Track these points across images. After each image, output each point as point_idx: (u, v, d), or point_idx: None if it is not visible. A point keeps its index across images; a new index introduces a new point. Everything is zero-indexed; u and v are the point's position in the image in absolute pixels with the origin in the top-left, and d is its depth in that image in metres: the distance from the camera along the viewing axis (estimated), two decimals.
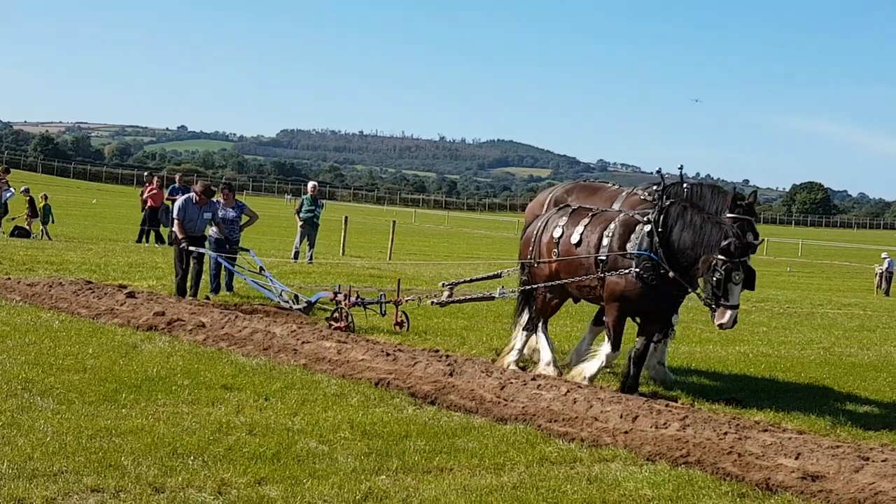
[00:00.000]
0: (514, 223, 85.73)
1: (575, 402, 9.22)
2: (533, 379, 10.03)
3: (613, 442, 8.46)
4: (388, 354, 11.05)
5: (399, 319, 13.96)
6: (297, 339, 11.93)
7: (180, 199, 16.81)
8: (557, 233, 11.06)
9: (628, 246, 10.22)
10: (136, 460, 6.93)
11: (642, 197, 11.50)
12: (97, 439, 7.42)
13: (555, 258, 10.99)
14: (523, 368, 11.33)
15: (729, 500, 7.06)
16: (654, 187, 11.18)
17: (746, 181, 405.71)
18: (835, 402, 11.24)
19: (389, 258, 31.05)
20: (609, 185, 12.59)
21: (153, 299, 14.70)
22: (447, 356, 11.25)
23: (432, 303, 13.31)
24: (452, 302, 13.57)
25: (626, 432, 8.58)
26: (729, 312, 9.63)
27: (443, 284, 14.18)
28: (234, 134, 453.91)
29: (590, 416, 8.95)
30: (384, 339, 12.60)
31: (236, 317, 13.24)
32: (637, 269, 10.07)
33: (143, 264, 21.38)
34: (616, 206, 11.61)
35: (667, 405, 9.44)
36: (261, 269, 16.62)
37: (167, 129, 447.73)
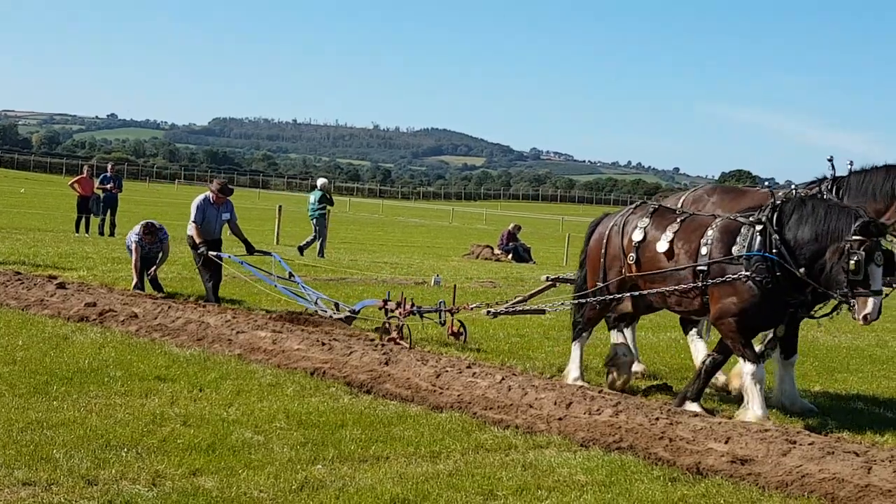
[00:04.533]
0: (448, 212, 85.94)
1: (510, 390, 9.28)
2: (468, 367, 10.08)
3: (548, 428, 8.54)
4: (323, 344, 11.03)
5: (456, 329, 12.67)
6: (232, 329, 11.86)
7: (198, 200, 15.19)
8: (637, 235, 9.91)
9: (734, 250, 9.15)
10: (69, 453, 6.84)
11: (800, 194, 9.93)
12: (28, 432, 7.32)
13: (631, 264, 9.92)
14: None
15: (661, 485, 7.16)
16: (823, 183, 10.13)
17: (677, 169, 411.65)
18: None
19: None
20: (755, 188, 11.40)
21: (84, 290, 14.51)
22: (383, 345, 11.26)
23: (487, 313, 12.01)
24: (507, 313, 12.23)
25: (560, 419, 8.66)
26: (872, 300, 8.43)
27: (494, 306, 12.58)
28: (166, 122, 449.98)
29: (524, 404, 9.02)
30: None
31: (169, 307, 13.12)
32: (750, 273, 8.96)
33: (73, 254, 21.04)
34: None
35: (600, 392, 9.54)
36: (290, 274, 15.12)
37: (97, 117, 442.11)
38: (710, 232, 9.38)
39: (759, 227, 9.05)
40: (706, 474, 7.48)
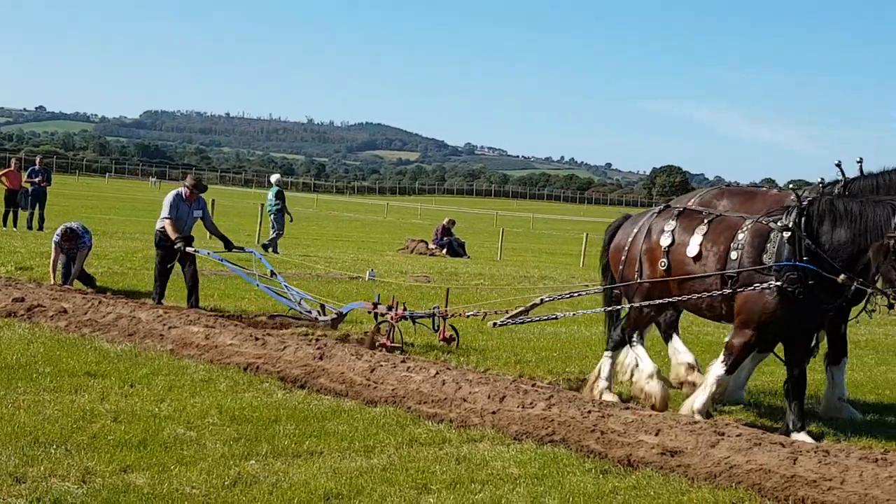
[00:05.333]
0: (382, 206, 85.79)
1: (444, 384, 9.30)
2: (403, 361, 10.07)
3: (481, 422, 8.57)
4: (256, 339, 10.95)
5: (447, 334, 12.26)
6: (164, 325, 11.73)
7: (170, 196, 14.44)
8: (665, 240, 9.39)
9: (764, 258, 8.67)
10: None
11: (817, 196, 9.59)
12: None
13: (662, 269, 9.40)
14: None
15: (592, 477, 7.22)
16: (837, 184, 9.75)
17: (609, 164, 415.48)
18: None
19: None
20: (763, 189, 11.06)
21: (11, 285, 14.24)
22: (317, 339, 11.21)
23: (493, 324, 11.24)
24: (514, 322, 11.39)
25: (493, 412, 8.69)
26: None
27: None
28: (96, 115, 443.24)
29: (458, 398, 9.04)
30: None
31: (100, 302, 12.93)
32: (780, 283, 8.47)
33: (0, 249, 20.68)
34: None
35: (533, 385, 9.59)
36: (272, 273, 14.63)
37: (24, 109, 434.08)
38: (740, 236, 8.89)
39: (787, 234, 8.55)
40: (637, 466, 7.56)
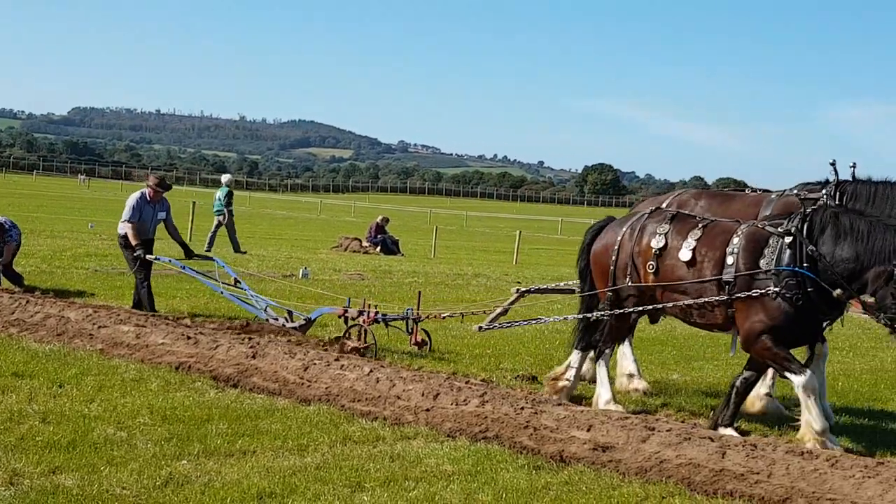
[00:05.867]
0: (316, 204, 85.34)
1: (378, 382, 9.29)
2: (336, 359, 10.04)
3: (415, 420, 8.58)
4: (188, 338, 10.85)
5: (419, 338, 11.92)
6: (94, 324, 11.57)
7: (133, 197, 13.80)
8: (657, 242, 9.07)
9: (762, 262, 8.44)
10: None
11: (802, 198, 9.49)
12: None
13: (651, 271, 9.07)
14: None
15: (525, 473, 7.27)
16: (823, 186, 9.52)
17: (541, 162, 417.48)
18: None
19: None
20: (742, 192, 10.73)
21: None
22: (250, 338, 11.13)
23: (479, 328, 10.88)
24: (501, 327, 11.06)
25: (427, 410, 8.71)
26: None
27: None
28: (23, 111, 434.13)
29: (392, 395, 9.04)
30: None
31: (27, 301, 12.72)
32: (778, 289, 8.26)
33: None
34: (765, 214, 9.69)
35: (467, 382, 9.61)
36: (236, 280, 13.89)
37: None
38: (735, 240, 8.65)
39: (788, 239, 8.35)
40: (569, 462, 7.63)
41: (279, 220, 57.04)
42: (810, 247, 8.22)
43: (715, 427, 8.55)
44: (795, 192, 9.76)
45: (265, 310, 13.08)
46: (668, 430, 7.87)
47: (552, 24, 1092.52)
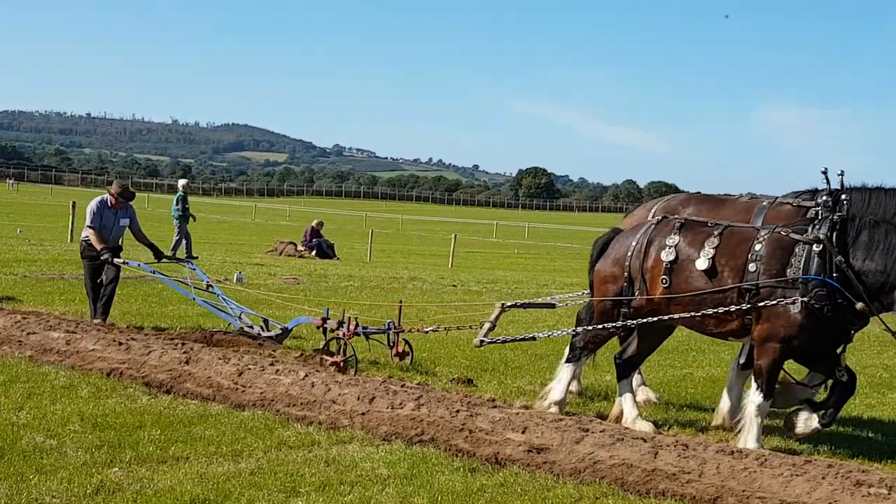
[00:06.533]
0: (251, 208, 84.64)
1: (313, 386, 9.24)
2: (271, 364, 9.97)
3: (351, 424, 8.55)
4: (120, 344, 10.70)
5: (401, 349, 11.53)
6: (23, 330, 11.37)
7: (93, 203, 13.35)
8: (667, 255, 8.73)
9: (788, 271, 8.14)
10: None
11: (796, 205, 9.40)
12: None
13: (664, 285, 8.76)
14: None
15: (461, 476, 7.27)
16: (822, 194, 9.11)
17: (476, 166, 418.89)
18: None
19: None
20: (732, 197, 10.46)
21: None
22: (183, 343, 11.01)
23: (480, 342, 10.41)
24: (501, 341, 10.62)
25: (363, 414, 8.67)
26: None
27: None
28: None
29: (328, 399, 9.00)
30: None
31: None
32: (807, 299, 7.98)
33: None
34: (758, 221, 9.48)
35: (402, 386, 9.59)
36: (208, 286, 13.46)
37: None
38: (757, 247, 8.34)
39: (817, 248, 8.08)
40: (504, 464, 7.64)
41: (213, 224, 56.46)
42: (839, 256, 7.96)
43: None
44: (789, 199, 9.57)
45: (240, 317, 12.65)
46: (601, 432, 7.92)
47: (485, 27, 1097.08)
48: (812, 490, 6.82)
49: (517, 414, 8.50)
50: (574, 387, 10.46)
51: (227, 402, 9.17)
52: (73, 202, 32.09)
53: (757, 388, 8.30)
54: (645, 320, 9.06)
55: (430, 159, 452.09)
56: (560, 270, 38.20)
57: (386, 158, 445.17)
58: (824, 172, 9.06)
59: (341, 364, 10.63)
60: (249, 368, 9.78)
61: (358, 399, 8.90)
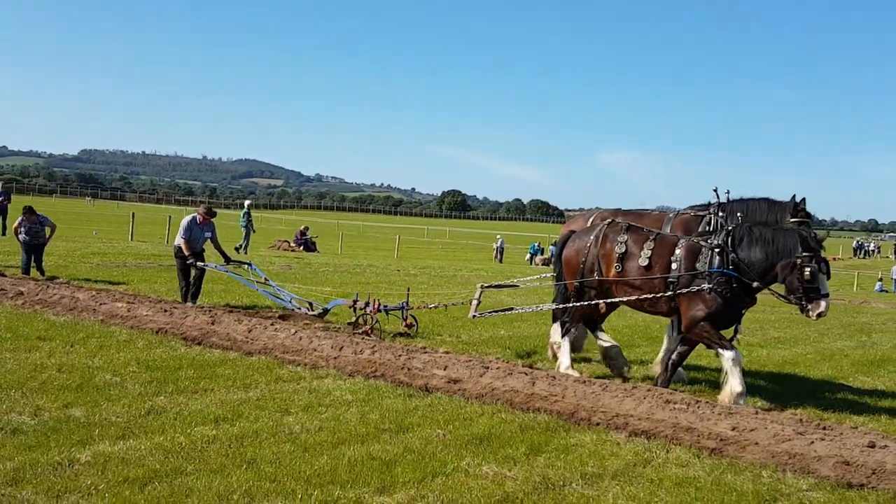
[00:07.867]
0: (257, 217, 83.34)
1: (301, 339, 9.15)
2: (272, 324, 9.84)
3: (327, 365, 8.48)
4: (165, 311, 10.48)
5: (409, 322, 11.05)
6: (97, 302, 11.08)
7: (186, 220, 12.81)
8: (620, 249, 8.45)
9: (697, 266, 7.92)
10: None
11: (693, 214, 9.12)
12: None
13: (617, 270, 8.43)
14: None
15: (402, 399, 7.26)
16: (713, 205, 8.96)
17: (413, 188, 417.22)
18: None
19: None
20: (649, 210, 9.98)
21: None
22: (210, 310, 10.81)
23: (473, 316, 9.92)
24: (489, 314, 10.05)
25: (335, 358, 8.62)
26: (824, 301, 7.42)
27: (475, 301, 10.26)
28: (45, 152, 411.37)
29: (311, 348, 8.92)
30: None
31: (48, 286, 12.10)
32: (712, 286, 7.77)
33: None
34: (667, 227, 9.21)
35: (363, 338, 9.54)
36: (265, 280, 12.75)
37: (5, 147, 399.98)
38: (678, 251, 8.12)
39: (717, 249, 7.86)
40: (432, 391, 7.65)
41: (231, 230, 55.52)
42: (732, 255, 7.78)
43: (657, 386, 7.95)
44: (688, 211, 9.29)
45: (290, 301, 12.01)
46: (497, 368, 7.97)
47: (411, 77, 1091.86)
48: (637, 405, 6.94)
49: (441, 357, 8.50)
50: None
51: (240, 350, 9.03)
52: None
53: (719, 349, 7.74)
54: (597, 302, 8.68)
55: (382, 184, 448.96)
56: (470, 259, 38.42)
57: (352, 183, 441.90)
58: (715, 190, 8.91)
59: (370, 332, 10.23)
60: (256, 327, 9.65)
61: (332, 348, 8.84)
